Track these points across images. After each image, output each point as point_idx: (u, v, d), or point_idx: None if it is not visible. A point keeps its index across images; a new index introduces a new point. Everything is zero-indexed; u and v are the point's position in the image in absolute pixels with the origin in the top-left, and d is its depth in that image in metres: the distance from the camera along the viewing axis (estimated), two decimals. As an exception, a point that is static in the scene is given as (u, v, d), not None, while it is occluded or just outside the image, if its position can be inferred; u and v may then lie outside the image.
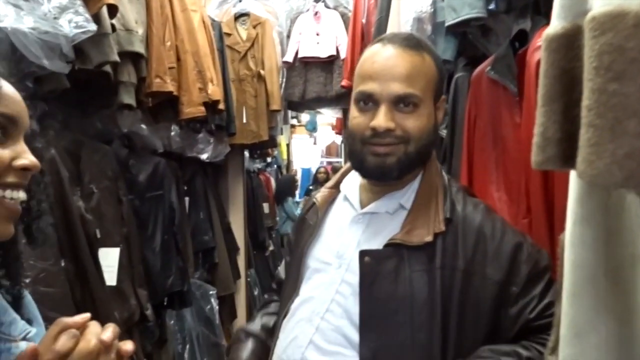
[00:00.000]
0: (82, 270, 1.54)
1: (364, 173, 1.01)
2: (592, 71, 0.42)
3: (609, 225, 0.57)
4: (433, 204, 0.97)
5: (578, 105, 0.48)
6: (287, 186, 5.94)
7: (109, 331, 0.61)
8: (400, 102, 0.94)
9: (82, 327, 0.61)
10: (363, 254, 0.95)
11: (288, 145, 6.58)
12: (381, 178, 0.99)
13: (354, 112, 0.99)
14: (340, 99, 3.32)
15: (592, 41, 0.42)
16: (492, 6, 1.36)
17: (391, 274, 0.93)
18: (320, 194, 1.12)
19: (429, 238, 0.93)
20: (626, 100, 0.40)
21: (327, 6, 3.38)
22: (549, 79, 0.51)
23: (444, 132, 1.75)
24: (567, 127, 0.50)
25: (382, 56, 0.96)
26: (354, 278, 0.96)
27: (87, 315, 0.61)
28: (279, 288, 1.19)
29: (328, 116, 5.94)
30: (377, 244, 0.97)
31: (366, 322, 0.93)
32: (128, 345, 0.63)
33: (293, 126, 7.01)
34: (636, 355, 0.57)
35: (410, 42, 0.97)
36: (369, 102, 0.95)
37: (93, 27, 1.46)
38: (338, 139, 7.64)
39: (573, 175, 0.59)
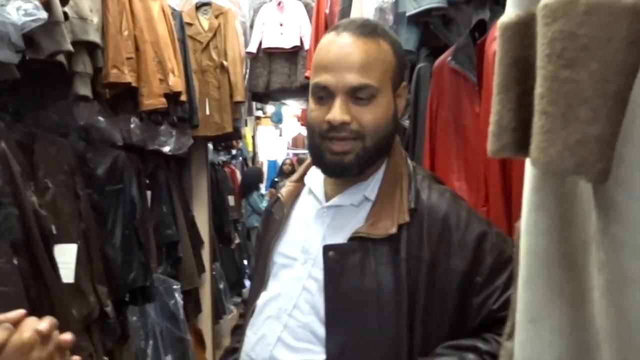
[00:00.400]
0: (36, 268, 1.49)
1: (323, 170, 0.99)
2: (545, 59, 0.42)
3: (563, 212, 0.58)
4: (397, 194, 0.95)
5: (532, 93, 0.48)
6: (253, 178, 5.89)
7: (45, 322, 0.59)
8: (356, 93, 0.91)
9: (17, 323, 0.59)
10: (327, 248, 0.94)
11: (253, 137, 6.52)
12: (340, 175, 0.98)
13: (311, 104, 0.96)
14: (305, 90, 3.27)
15: (544, 28, 0.42)
16: (452, -4, 1.37)
17: (357, 268, 0.92)
18: (285, 189, 1.10)
19: (393, 230, 0.91)
20: (577, 87, 0.40)
21: (290, -4, 3.35)
22: (503, 67, 0.51)
23: (406, 122, 1.77)
24: (522, 115, 0.50)
25: (336, 45, 0.93)
26: (320, 273, 0.94)
27: (22, 311, 0.60)
28: None
29: (293, 107, 5.91)
30: (342, 237, 0.95)
31: (332, 317, 0.92)
32: (66, 335, 0.61)
33: (258, 118, 6.94)
34: (588, 338, 0.58)
35: (365, 29, 0.93)
36: (324, 94, 0.93)
37: (43, 14, 1.40)
38: (304, 131, 7.62)
39: (528, 163, 0.60)
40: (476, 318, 0.91)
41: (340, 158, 0.93)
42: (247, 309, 1.09)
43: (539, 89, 0.43)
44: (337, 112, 0.90)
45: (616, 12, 0.39)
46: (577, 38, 0.40)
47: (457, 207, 0.96)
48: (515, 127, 0.51)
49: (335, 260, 0.93)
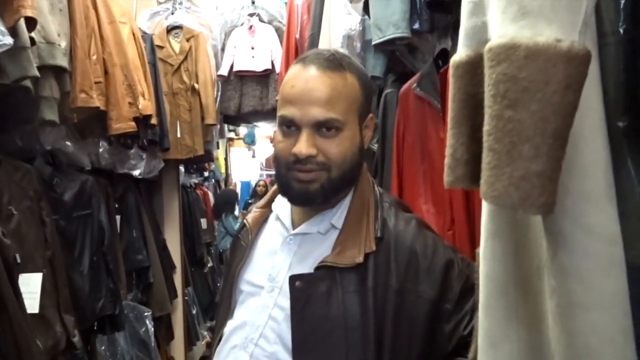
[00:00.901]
0: (-1, 299, 1.45)
1: (289, 199, 1.00)
2: (491, 99, 0.45)
3: (517, 239, 0.61)
4: (364, 223, 0.96)
5: (482, 129, 0.51)
6: (227, 200, 5.84)
7: None
8: (322, 127, 0.92)
9: None
10: (294, 278, 0.93)
11: (226, 159, 6.50)
12: (305, 204, 0.98)
13: (278, 135, 0.97)
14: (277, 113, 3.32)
15: (489, 70, 0.45)
16: (416, 26, 1.42)
17: (323, 297, 0.91)
18: (251, 215, 1.09)
19: (360, 259, 0.92)
20: (520, 126, 0.43)
21: (261, 20, 3.38)
22: (456, 103, 0.54)
23: (375, 146, 1.80)
24: (474, 149, 0.52)
25: (302, 79, 0.93)
26: (287, 302, 0.94)
27: None
28: None
29: (266, 129, 5.92)
30: (308, 266, 0.95)
31: (299, 346, 0.91)
32: None
33: (231, 139, 6.93)
34: (545, 361, 0.60)
35: (331, 63, 0.93)
36: (291, 126, 0.94)
37: (9, 40, 1.39)
38: (277, 152, 7.58)
39: (484, 193, 0.62)
40: (448, 344, 0.91)
41: (305, 187, 0.94)
42: (214, 337, 1.08)
43: (486, 127, 0.46)
44: (303, 146, 0.91)
45: (553, 57, 0.42)
46: (518, 81, 0.43)
47: (423, 235, 0.97)
48: (468, 160, 0.53)
49: (302, 289, 0.92)
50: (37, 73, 1.60)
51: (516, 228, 0.61)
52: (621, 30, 0.50)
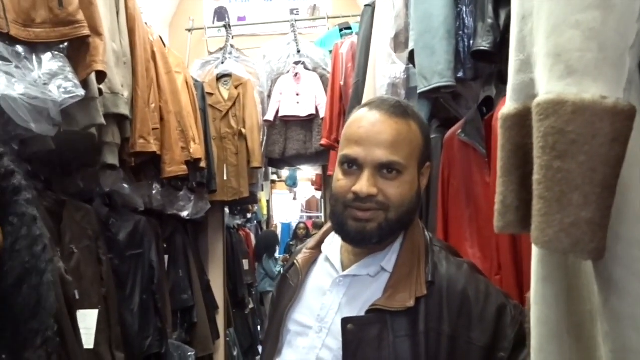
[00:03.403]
0: (59, 333, 1.51)
1: (344, 237, 1.01)
2: (540, 150, 0.48)
3: (569, 284, 0.62)
4: (415, 267, 0.97)
5: (532, 177, 0.54)
6: (268, 243, 5.91)
7: None
8: (384, 169, 0.95)
9: None
10: (345, 321, 0.94)
11: (268, 202, 6.62)
12: (361, 243, 0.99)
13: (338, 174, 0.99)
14: (320, 156, 3.41)
15: (538, 124, 0.49)
16: (460, 74, 1.46)
17: (374, 341, 0.92)
18: (301, 255, 1.12)
19: (411, 303, 0.92)
20: (569, 175, 0.46)
21: (306, 68, 3.52)
22: (505, 153, 0.57)
23: (420, 190, 1.82)
24: (524, 196, 0.55)
25: (368, 121, 0.97)
26: (335, 343, 0.95)
27: None
28: None
29: (308, 172, 6.02)
30: (358, 308, 0.97)
31: None
32: None
33: (273, 182, 7.08)
34: (600, 409, 0.60)
35: (397, 110, 0.98)
36: (353, 165, 0.96)
37: (81, 92, 1.52)
38: (318, 194, 7.72)
39: (534, 238, 0.64)
40: None
41: (362, 225, 0.95)
42: None
43: (536, 176, 0.49)
44: (364, 185, 0.93)
45: (599, 113, 0.45)
46: (566, 134, 0.46)
47: (475, 280, 0.97)
48: (519, 206, 0.56)
49: (354, 333, 0.93)
50: (103, 121, 1.73)
51: (567, 272, 0.62)
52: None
